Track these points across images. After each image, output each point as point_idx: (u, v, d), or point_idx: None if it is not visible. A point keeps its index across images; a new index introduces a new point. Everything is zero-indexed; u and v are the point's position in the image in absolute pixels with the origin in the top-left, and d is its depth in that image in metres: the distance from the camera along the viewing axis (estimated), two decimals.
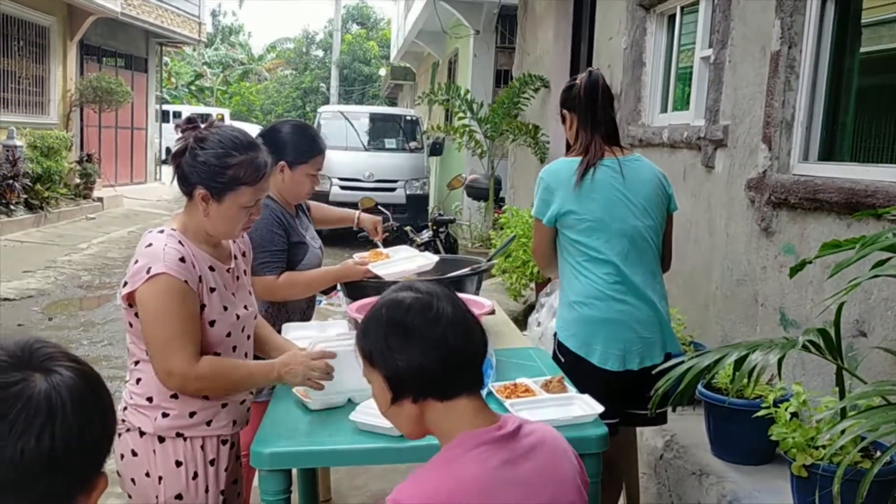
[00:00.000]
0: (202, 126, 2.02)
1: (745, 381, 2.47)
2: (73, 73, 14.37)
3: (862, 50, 3.32)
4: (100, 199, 14.05)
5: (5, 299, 7.46)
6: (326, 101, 32.75)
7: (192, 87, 37.47)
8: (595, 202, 2.64)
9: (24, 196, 11.46)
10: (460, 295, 2.87)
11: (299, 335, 2.62)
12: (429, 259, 2.88)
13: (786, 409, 2.68)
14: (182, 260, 1.93)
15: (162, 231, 1.99)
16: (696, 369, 2.30)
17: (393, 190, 11.83)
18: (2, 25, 11.97)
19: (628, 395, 2.70)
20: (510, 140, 8.34)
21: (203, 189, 1.96)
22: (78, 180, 13.59)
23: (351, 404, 2.12)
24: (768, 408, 2.76)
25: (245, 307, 2.15)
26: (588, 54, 6.80)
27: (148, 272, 1.89)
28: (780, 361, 2.19)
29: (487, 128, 8.48)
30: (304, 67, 43.68)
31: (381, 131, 13.20)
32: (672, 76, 5.03)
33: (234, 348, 2.10)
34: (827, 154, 3.32)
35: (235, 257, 2.18)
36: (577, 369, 2.61)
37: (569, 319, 2.70)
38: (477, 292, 3.26)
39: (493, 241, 6.77)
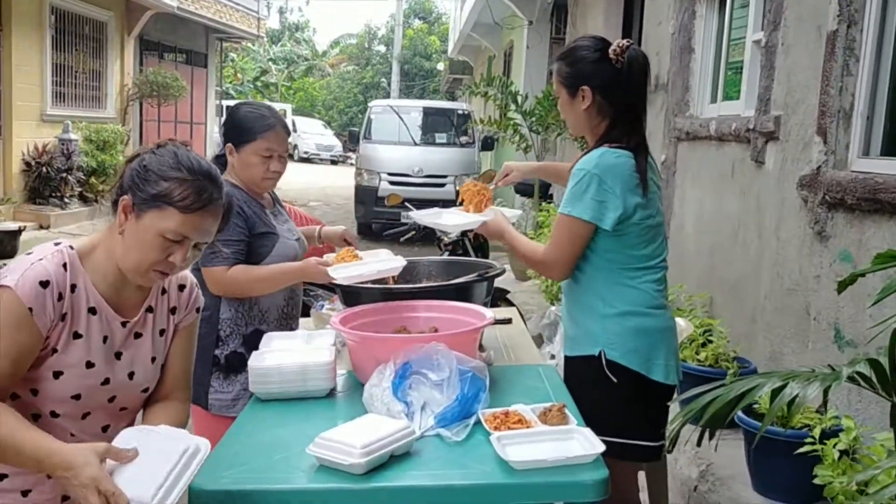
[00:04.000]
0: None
1: (784, 411, 2.13)
2: (130, 67, 14.51)
3: None
4: None
5: None
6: (387, 96, 32.72)
7: (258, 83, 37.93)
8: (654, 204, 2.31)
9: (79, 189, 11.62)
10: (460, 304, 2.58)
11: (282, 345, 2.37)
12: (394, 264, 2.58)
13: (834, 446, 2.31)
14: (44, 284, 1.59)
15: (58, 244, 1.68)
16: (720, 400, 1.96)
17: (442, 185, 11.55)
18: (59, 20, 12.11)
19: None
20: (556, 134, 7.96)
21: (129, 197, 1.66)
22: None
23: (308, 434, 1.82)
24: (814, 443, 2.38)
25: (130, 375, 1.78)
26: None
27: None
28: (825, 393, 1.84)
29: (532, 121, 8.11)
30: (365, 63, 43.84)
31: (432, 125, 12.92)
32: (723, 63, 4.61)
33: (85, 415, 1.72)
34: (890, 148, 2.92)
35: (150, 310, 1.82)
36: (637, 391, 2.28)
37: (623, 331, 2.29)
38: (489, 300, 2.93)
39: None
